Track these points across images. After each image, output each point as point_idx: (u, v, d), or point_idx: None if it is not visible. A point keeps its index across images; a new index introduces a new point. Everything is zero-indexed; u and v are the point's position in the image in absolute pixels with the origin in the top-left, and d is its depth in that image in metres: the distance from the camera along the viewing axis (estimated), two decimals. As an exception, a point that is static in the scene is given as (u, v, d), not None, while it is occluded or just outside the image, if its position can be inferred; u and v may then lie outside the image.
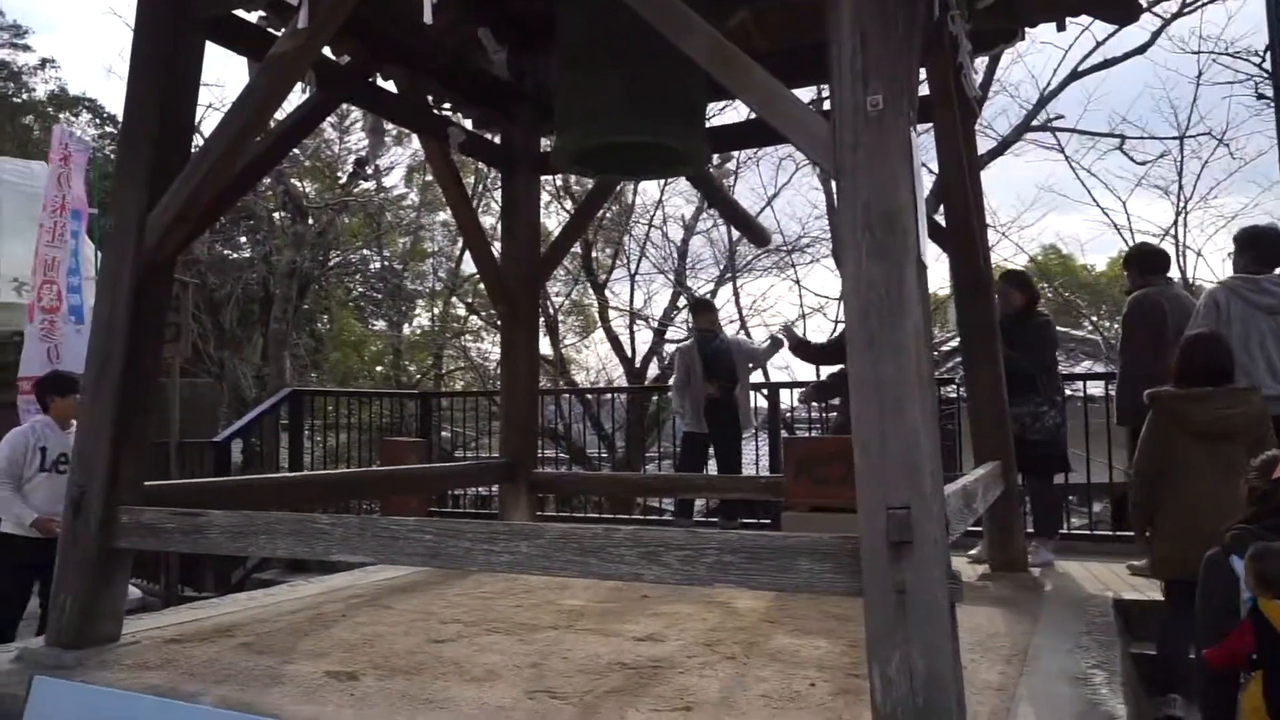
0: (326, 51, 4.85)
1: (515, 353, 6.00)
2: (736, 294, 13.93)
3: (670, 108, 4.13)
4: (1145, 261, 5.28)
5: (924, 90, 4.51)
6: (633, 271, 14.53)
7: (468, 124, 5.54)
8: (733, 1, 5.10)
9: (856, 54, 2.50)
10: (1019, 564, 4.97)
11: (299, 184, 14.98)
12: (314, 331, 23.37)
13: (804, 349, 6.47)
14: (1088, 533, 6.18)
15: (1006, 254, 13.18)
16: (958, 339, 5.21)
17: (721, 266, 13.54)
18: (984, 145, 11.40)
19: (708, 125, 5.36)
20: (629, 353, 14.15)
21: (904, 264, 2.39)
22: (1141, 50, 10.52)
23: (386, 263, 22.18)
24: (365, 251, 21.88)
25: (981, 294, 4.98)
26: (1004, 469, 4.85)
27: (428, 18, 3.09)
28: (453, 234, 21.46)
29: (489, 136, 5.87)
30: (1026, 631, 3.80)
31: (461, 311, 22.05)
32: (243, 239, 14.42)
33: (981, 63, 11.13)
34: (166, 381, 6.15)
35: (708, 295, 13.11)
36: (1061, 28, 5.37)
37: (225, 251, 13.34)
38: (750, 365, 7.34)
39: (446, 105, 5.67)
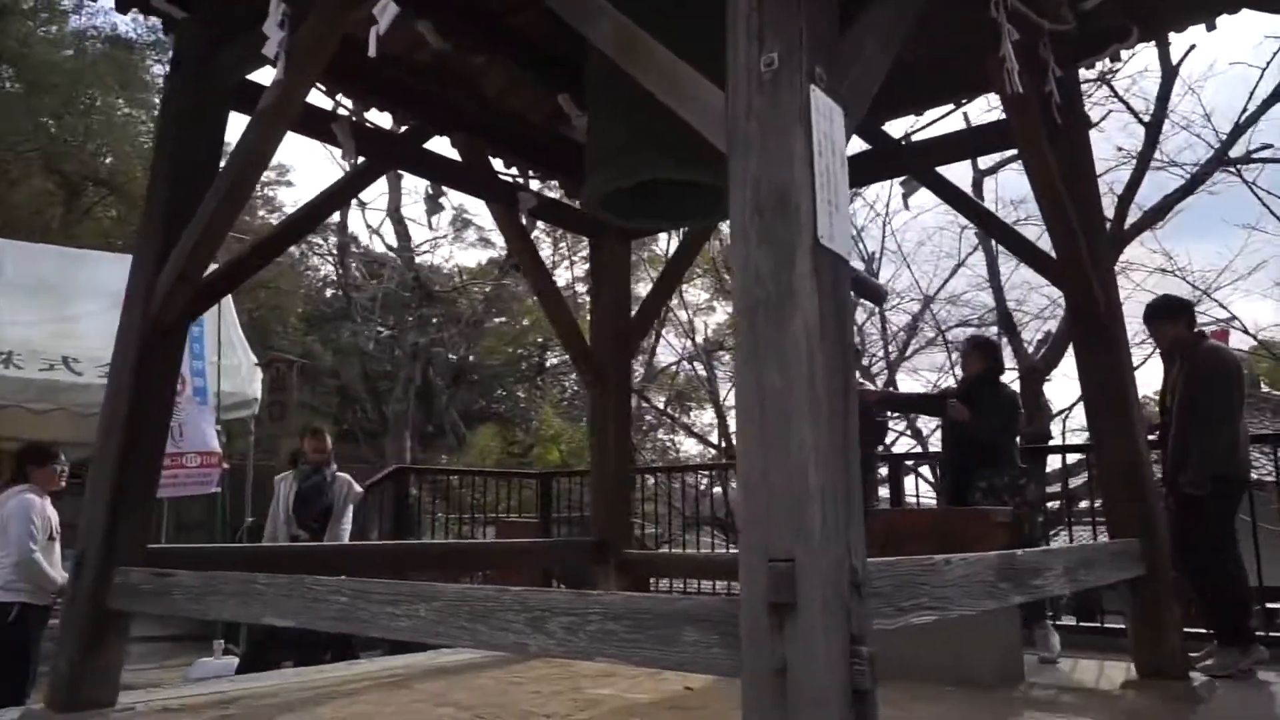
0: (385, 121, 4.98)
1: (604, 424, 5.68)
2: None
3: (700, 143, 3.77)
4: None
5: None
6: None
7: (538, 188, 5.41)
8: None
9: (752, 10, 2.08)
10: (1173, 670, 3.96)
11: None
12: (529, 428, 24.39)
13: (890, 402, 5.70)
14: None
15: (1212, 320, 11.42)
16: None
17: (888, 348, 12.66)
18: (1172, 182, 10.02)
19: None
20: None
21: (795, 248, 1.89)
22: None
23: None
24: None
25: (1103, 343, 4.15)
26: (1146, 548, 3.93)
27: (372, 51, 2.96)
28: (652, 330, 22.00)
29: (570, 202, 5.74)
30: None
31: (660, 403, 22.25)
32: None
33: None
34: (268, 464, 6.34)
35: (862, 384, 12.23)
36: (1211, 28, 4.60)
37: (389, 334, 14.00)
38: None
39: (515, 171, 5.60)
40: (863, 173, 5.79)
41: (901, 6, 2.54)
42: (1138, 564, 3.87)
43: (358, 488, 6.37)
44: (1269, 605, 5.60)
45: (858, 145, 5.33)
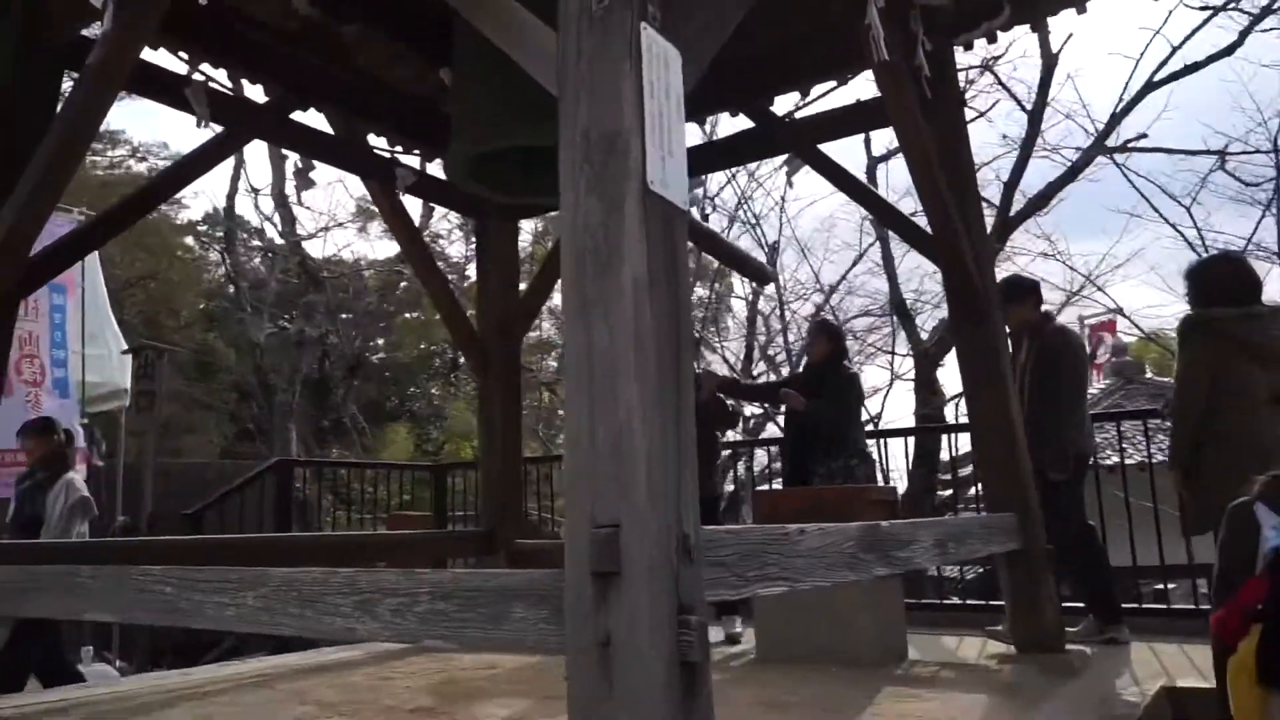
0: (256, 93, 4.71)
1: (490, 409, 5.52)
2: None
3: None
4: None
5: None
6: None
7: (415, 163, 5.21)
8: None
9: (587, -55, 1.95)
10: (1051, 643, 3.99)
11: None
12: (442, 426, 24.00)
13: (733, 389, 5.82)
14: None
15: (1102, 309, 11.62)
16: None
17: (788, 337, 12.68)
18: (1055, 171, 10.27)
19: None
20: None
21: (624, 196, 1.77)
22: (1228, 52, 9.31)
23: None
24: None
25: (978, 315, 4.16)
26: (1021, 522, 3.96)
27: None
28: (557, 320, 21.83)
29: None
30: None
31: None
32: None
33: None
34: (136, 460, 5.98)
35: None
36: (1082, 10, 4.68)
37: (285, 328, 13.50)
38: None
39: (399, 148, 5.38)
40: (747, 151, 5.77)
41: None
42: (1012, 538, 3.89)
43: (80, 493, 5.14)
44: (1143, 582, 5.81)
45: (743, 123, 5.30)
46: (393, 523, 6.97)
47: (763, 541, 2.06)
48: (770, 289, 12.56)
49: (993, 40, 5.01)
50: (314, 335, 12.73)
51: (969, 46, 4.96)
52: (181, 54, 4.30)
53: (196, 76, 4.19)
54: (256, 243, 18.37)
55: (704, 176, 11.63)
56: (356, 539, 4.87)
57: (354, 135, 4.93)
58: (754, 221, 12.85)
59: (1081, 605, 4.59)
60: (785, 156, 5.13)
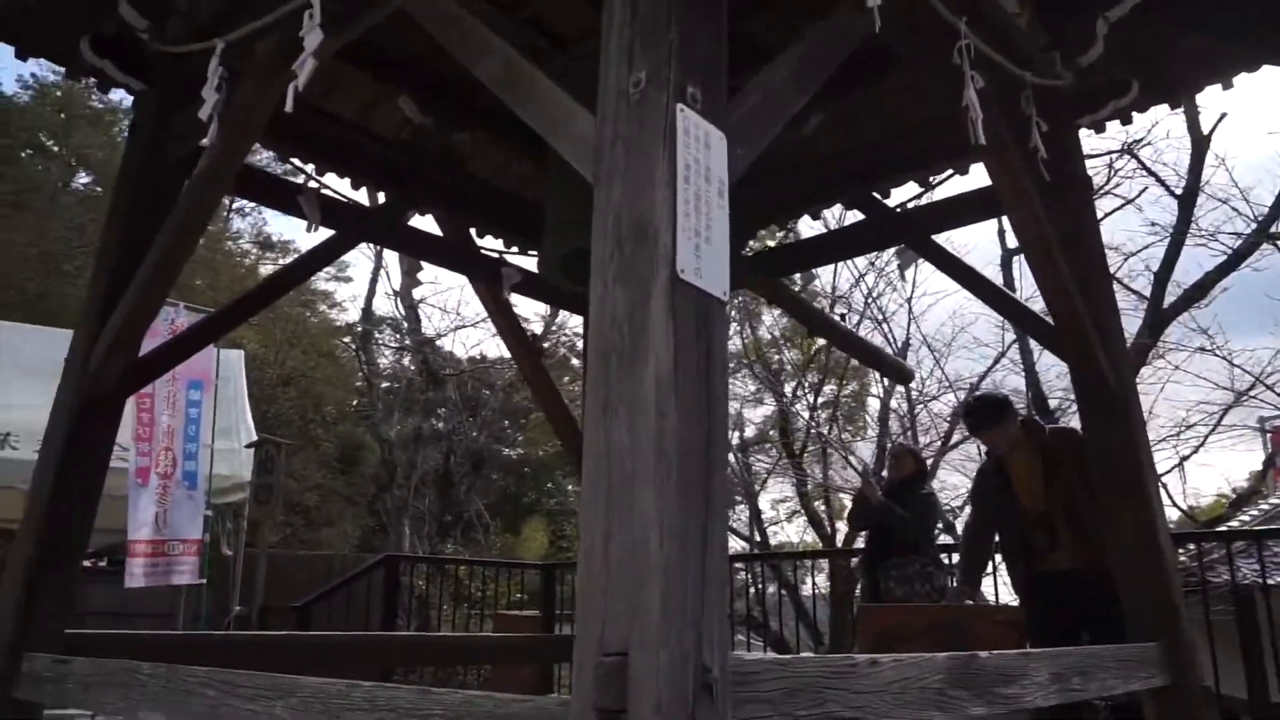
0: (360, 196, 4.89)
1: (594, 511, 5.38)
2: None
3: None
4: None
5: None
6: (824, 437, 13.25)
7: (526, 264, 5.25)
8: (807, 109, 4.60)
9: (625, 25, 1.87)
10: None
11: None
12: (577, 524, 24.02)
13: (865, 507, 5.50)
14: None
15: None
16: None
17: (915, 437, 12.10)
18: (1211, 260, 9.42)
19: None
20: (828, 529, 12.83)
21: (652, 286, 1.63)
22: None
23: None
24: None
25: (1112, 417, 3.76)
26: (1168, 653, 3.45)
27: (289, 106, 2.83)
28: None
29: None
30: None
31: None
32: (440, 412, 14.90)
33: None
34: (255, 550, 6.12)
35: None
36: (1228, 86, 4.35)
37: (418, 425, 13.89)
38: None
39: (514, 248, 5.45)
40: (859, 244, 5.57)
41: (826, 41, 2.33)
42: (1157, 672, 3.39)
43: None
44: None
45: (854, 215, 5.13)
46: (499, 623, 6.87)
47: (820, 674, 1.80)
48: (900, 389, 12.09)
49: (1127, 121, 4.70)
50: (438, 431, 13.10)
51: (1100, 129, 4.67)
52: (296, 161, 4.56)
53: (311, 184, 4.39)
54: (406, 342, 19.19)
55: (816, 270, 11.54)
56: (441, 640, 4.77)
57: (461, 237, 5.02)
58: (881, 319, 12.49)
59: None
60: (897, 248, 4.90)
